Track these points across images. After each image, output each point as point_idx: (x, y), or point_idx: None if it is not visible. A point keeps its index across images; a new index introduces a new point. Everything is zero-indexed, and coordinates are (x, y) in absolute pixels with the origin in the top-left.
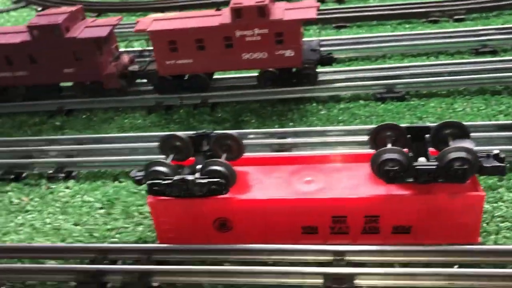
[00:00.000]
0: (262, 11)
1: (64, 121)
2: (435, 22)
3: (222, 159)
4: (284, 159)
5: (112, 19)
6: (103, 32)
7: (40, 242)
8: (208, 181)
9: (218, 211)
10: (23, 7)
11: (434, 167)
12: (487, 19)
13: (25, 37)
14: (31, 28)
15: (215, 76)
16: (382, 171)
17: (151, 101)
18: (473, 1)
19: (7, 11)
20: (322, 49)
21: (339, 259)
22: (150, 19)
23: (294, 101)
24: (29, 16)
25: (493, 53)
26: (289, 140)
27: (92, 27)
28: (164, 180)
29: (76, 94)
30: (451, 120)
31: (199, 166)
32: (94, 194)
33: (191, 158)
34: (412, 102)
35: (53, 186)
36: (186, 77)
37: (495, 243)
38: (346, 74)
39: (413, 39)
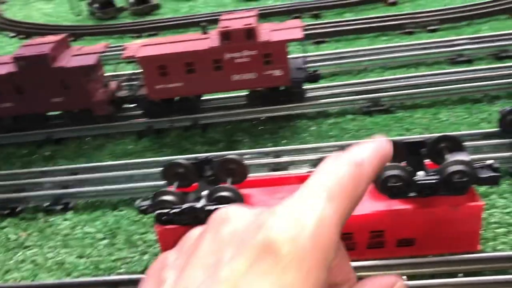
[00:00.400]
0: (250, 34)
1: (54, 151)
2: (410, 33)
3: (229, 184)
4: (285, 179)
5: (98, 46)
6: (91, 60)
7: (45, 278)
8: (217, 208)
9: None
10: None
11: (436, 180)
12: (459, 29)
13: (11, 68)
14: (17, 59)
15: (204, 97)
16: (386, 187)
17: (141, 126)
18: (444, 12)
19: None
20: (307, 66)
21: None
22: (137, 44)
23: (284, 118)
24: (2, 43)
25: (469, 62)
26: (285, 158)
27: (79, 55)
28: (173, 208)
29: (65, 123)
30: (446, 133)
31: (204, 192)
32: (95, 225)
33: (195, 184)
34: (398, 114)
35: (51, 219)
36: (176, 100)
37: (494, 249)
38: (332, 90)
39: (392, 52)
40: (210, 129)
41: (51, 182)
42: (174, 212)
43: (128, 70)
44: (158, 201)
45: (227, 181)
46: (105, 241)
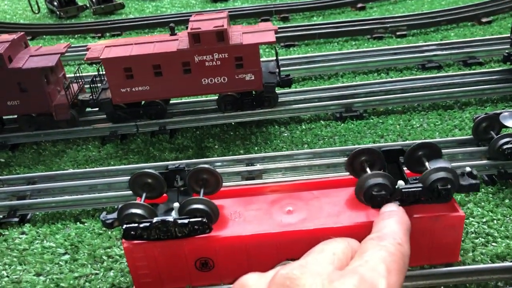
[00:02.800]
0: (221, 36)
1: (10, 157)
2: (380, 38)
3: (201, 196)
4: (260, 189)
5: (59, 46)
6: (51, 61)
7: None
8: (190, 221)
9: (200, 251)
10: None
11: (420, 188)
12: (426, 35)
13: None
14: None
15: (172, 101)
16: (369, 197)
17: (105, 131)
18: (412, 18)
19: None
20: (279, 70)
21: None
22: (101, 45)
23: (256, 124)
24: None
25: (438, 68)
26: (258, 166)
27: (37, 56)
28: (141, 222)
29: (21, 127)
30: (424, 141)
31: (176, 204)
32: (55, 239)
33: (164, 195)
34: (371, 120)
35: (6, 233)
36: (142, 104)
37: (473, 260)
38: (304, 95)
39: (363, 57)
40: (179, 135)
41: (5, 192)
42: (143, 227)
43: (91, 72)
44: (126, 215)
45: (200, 192)
46: (67, 257)
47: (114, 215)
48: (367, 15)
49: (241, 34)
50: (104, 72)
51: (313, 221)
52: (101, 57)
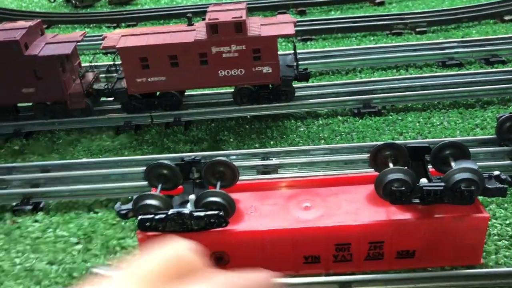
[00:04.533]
0: (239, 27)
1: (24, 145)
2: (399, 34)
3: (218, 189)
4: (276, 183)
5: (75, 34)
6: (66, 49)
7: (11, 287)
8: (206, 214)
9: (216, 244)
10: None
11: (441, 187)
12: (447, 32)
13: None
14: None
15: (187, 93)
16: (388, 192)
17: (119, 121)
18: (432, 14)
19: None
20: (297, 63)
21: None
22: (118, 34)
23: (272, 118)
24: None
25: (459, 66)
26: (274, 161)
27: (53, 44)
28: (157, 214)
29: (36, 115)
30: (451, 140)
31: (192, 196)
32: (68, 228)
33: (180, 187)
34: (390, 117)
35: (20, 220)
36: (157, 95)
37: (496, 263)
38: (321, 90)
39: (381, 52)
40: (193, 127)
41: (19, 180)
42: (158, 218)
43: (106, 61)
44: (141, 205)
45: (216, 185)
46: (80, 246)
47: (129, 205)
48: (385, 11)
49: (259, 26)
50: (119, 62)
51: (331, 218)
52: (117, 46)
